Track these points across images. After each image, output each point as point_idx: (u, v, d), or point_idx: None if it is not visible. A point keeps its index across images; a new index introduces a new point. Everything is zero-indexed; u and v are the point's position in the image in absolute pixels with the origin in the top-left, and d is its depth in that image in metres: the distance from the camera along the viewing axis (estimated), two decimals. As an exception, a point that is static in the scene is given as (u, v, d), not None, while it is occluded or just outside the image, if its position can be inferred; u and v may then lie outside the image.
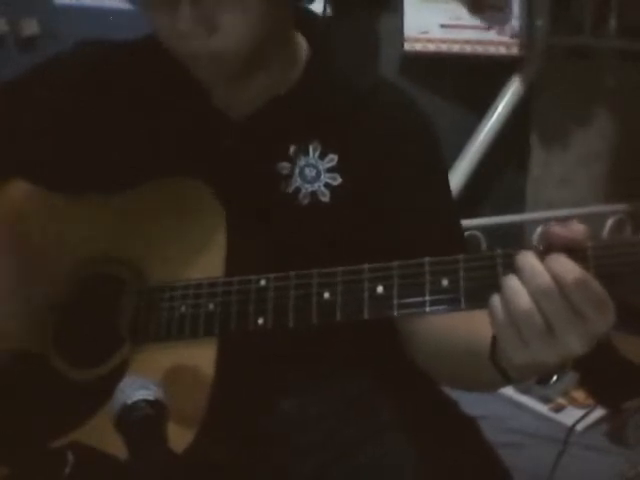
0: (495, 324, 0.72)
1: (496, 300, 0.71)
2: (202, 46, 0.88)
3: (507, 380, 0.79)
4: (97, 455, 0.78)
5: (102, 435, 0.78)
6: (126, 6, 1.93)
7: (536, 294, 0.69)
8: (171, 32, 0.88)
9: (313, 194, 0.99)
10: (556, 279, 0.68)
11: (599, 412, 1.87)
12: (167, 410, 0.74)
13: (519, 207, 2.69)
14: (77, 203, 1.00)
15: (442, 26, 2.43)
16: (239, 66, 0.91)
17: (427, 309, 0.77)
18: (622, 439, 1.81)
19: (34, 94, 1.05)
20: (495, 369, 0.78)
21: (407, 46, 2.39)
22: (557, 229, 0.71)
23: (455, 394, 1.09)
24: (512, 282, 0.70)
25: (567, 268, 0.68)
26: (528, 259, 0.70)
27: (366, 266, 0.80)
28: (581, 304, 0.68)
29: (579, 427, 1.76)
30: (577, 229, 0.71)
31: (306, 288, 0.83)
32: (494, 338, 0.78)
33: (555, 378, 0.76)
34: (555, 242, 0.71)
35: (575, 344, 0.69)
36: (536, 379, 0.77)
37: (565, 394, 1.98)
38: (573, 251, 0.70)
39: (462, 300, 0.75)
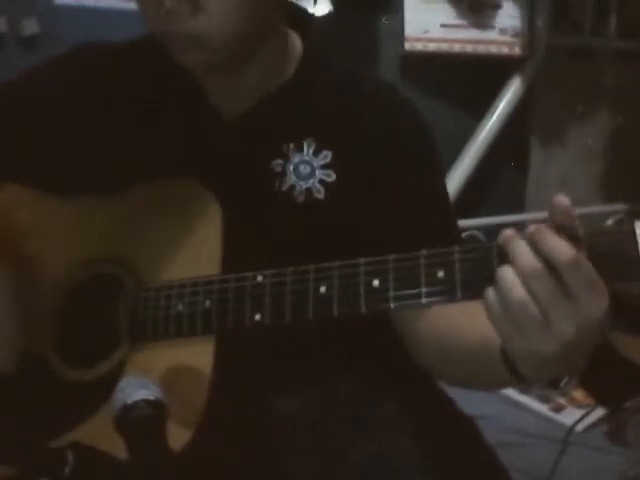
0: (491, 316, 0.72)
1: (491, 292, 0.71)
2: (185, 26, 0.87)
3: (518, 379, 0.78)
4: (97, 455, 0.78)
5: (102, 435, 0.78)
6: (126, 6, 1.94)
7: (528, 278, 0.69)
8: (156, 10, 0.87)
9: (308, 191, 0.99)
10: (548, 259, 0.68)
11: (599, 412, 1.87)
12: (167, 410, 0.74)
13: (519, 207, 2.69)
14: (74, 204, 1.00)
15: (443, 25, 2.43)
16: (224, 54, 0.91)
17: (423, 300, 0.77)
18: (622, 439, 1.81)
19: (32, 95, 1.05)
20: (506, 367, 0.78)
21: (408, 46, 2.39)
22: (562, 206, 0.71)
23: (454, 393, 1.09)
24: (506, 273, 0.71)
25: (560, 248, 0.68)
26: (517, 243, 0.70)
27: (362, 260, 0.80)
28: (573, 285, 0.68)
29: (579, 427, 1.76)
30: (570, 214, 0.71)
31: (302, 283, 0.83)
32: None
33: (566, 380, 0.76)
34: (556, 218, 0.71)
35: (570, 331, 0.69)
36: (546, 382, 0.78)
37: (565, 394, 1.98)
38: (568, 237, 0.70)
39: (458, 291, 0.75)
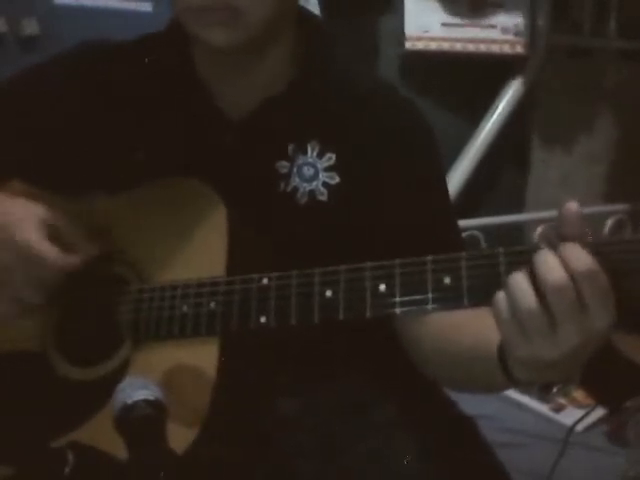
0: (499, 320, 0.72)
1: (501, 297, 0.71)
2: None
3: (513, 382, 0.79)
4: (97, 455, 0.78)
5: (102, 435, 0.78)
6: (126, 6, 1.94)
7: (549, 290, 0.69)
8: None
9: (311, 193, 0.99)
10: (570, 269, 0.68)
11: (599, 412, 1.87)
12: (167, 410, 0.74)
13: (519, 207, 2.69)
14: (77, 203, 1.00)
15: (443, 24, 2.42)
16: (251, 33, 0.90)
17: (429, 307, 0.77)
18: (622, 439, 1.81)
19: (34, 94, 1.05)
20: (501, 370, 0.78)
21: (408, 45, 2.37)
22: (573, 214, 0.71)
23: (455, 393, 1.09)
24: (518, 279, 0.71)
25: (581, 258, 0.68)
26: (544, 256, 0.70)
27: (368, 264, 0.80)
28: (588, 296, 0.68)
29: (579, 427, 1.75)
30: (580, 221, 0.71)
31: (308, 287, 0.83)
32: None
33: (560, 385, 0.77)
34: (568, 227, 0.71)
35: (575, 340, 0.69)
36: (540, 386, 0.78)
37: (565, 394, 1.98)
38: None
39: (464, 298, 0.75)
